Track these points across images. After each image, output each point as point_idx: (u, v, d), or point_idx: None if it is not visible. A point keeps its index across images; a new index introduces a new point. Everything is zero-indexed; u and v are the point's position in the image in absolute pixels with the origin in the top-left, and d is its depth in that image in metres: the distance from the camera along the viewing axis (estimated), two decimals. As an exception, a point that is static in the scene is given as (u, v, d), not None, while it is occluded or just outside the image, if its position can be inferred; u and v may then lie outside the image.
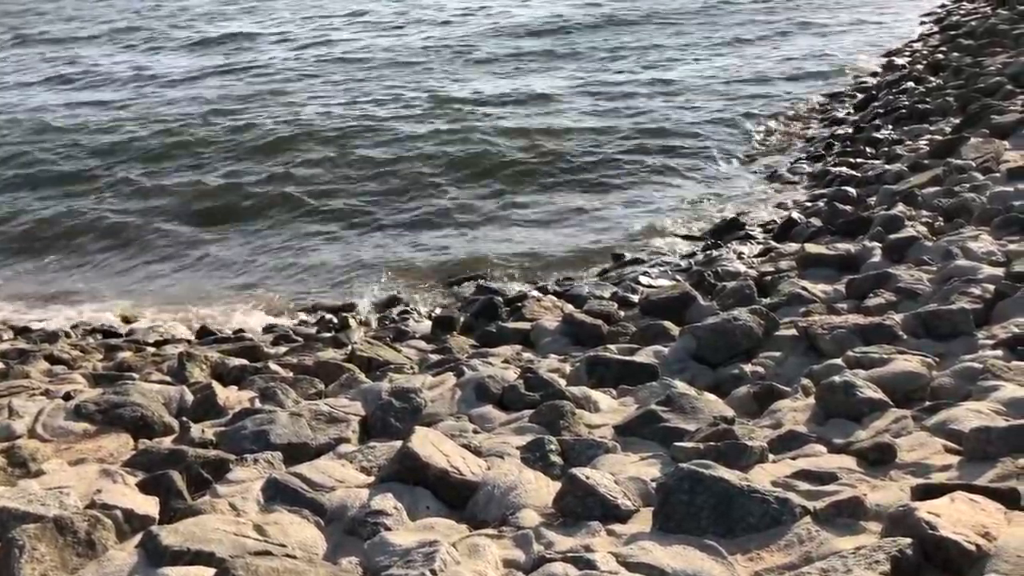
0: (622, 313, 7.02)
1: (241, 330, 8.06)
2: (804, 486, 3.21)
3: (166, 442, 4.34)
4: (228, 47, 20.63)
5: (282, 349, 7.03)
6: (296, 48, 19.95)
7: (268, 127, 13.87)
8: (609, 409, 4.66)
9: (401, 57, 18.15)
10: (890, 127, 11.10)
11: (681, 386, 4.64)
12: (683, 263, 8.57)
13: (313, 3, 25.62)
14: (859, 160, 10.21)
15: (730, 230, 9.18)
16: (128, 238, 10.48)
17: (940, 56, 13.68)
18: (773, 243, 8.38)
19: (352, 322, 7.85)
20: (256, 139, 13.37)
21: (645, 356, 5.49)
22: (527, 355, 6.19)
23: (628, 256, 8.92)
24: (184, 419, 4.63)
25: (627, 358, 5.41)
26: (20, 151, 13.72)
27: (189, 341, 7.67)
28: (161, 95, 16.64)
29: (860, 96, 13.41)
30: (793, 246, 7.92)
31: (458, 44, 18.84)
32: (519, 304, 7.58)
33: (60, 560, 2.89)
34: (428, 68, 17.20)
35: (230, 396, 5.13)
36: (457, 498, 3.46)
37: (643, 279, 8.08)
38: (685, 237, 9.35)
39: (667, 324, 6.13)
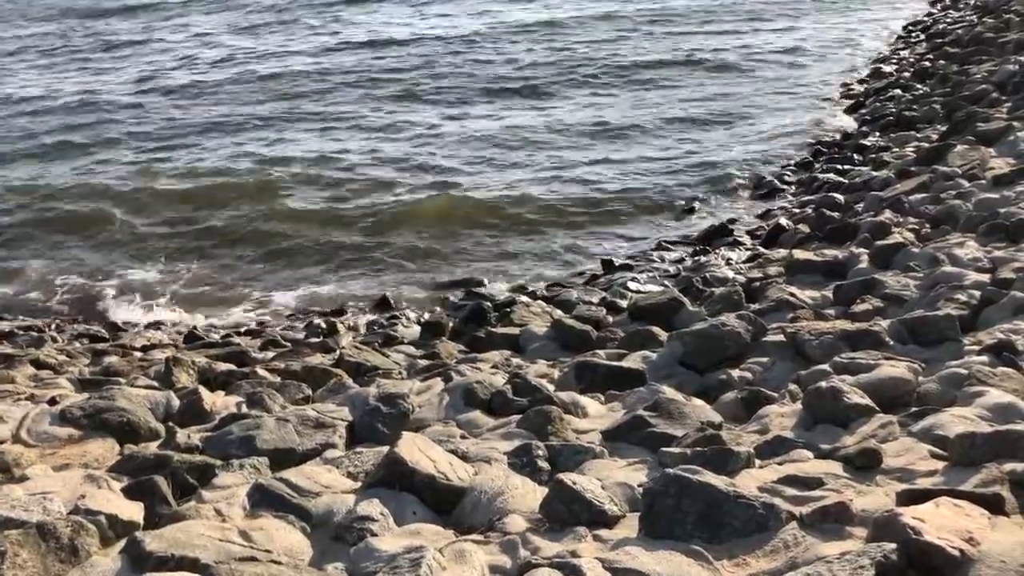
0: (611, 319, 7.03)
1: (229, 335, 8.03)
2: (790, 491, 3.22)
3: (152, 447, 4.32)
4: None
5: (270, 354, 7.01)
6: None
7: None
8: (597, 414, 4.66)
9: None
10: (877, 134, 11.17)
11: (668, 391, 4.64)
12: (672, 269, 8.60)
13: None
14: (847, 167, 10.27)
15: (719, 236, 9.22)
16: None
17: (927, 64, 13.76)
18: (761, 249, 8.42)
19: (340, 327, 7.83)
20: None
21: (633, 361, 5.49)
22: (515, 360, 6.19)
23: (617, 262, 8.94)
24: (170, 424, 4.60)
25: (615, 363, 5.42)
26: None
27: (176, 346, 7.63)
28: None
29: (848, 103, 13.49)
30: (781, 252, 7.96)
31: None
32: (508, 309, 7.58)
33: (43, 566, 2.87)
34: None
35: (217, 401, 5.11)
36: (444, 504, 3.45)
37: (632, 285, 8.10)
38: (674, 243, 9.37)
39: (655, 329, 6.14)
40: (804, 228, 8.33)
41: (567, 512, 3.17)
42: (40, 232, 10.93)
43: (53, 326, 8.55)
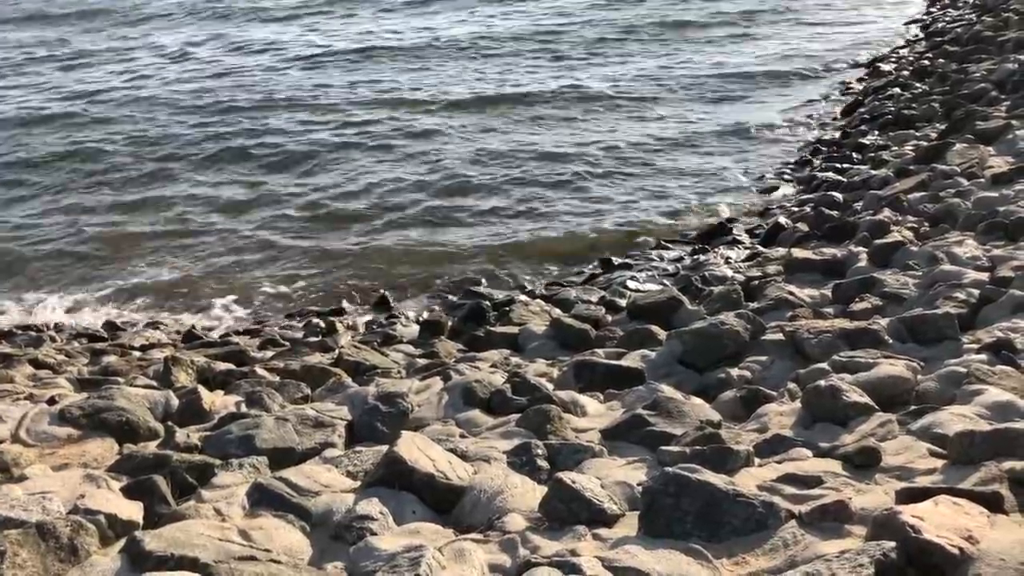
0: (609, 317, 7.02)
1: (228, 334, 8.03)
2: (790, 490, 3.22)
3: (151, 447, 4.32)
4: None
5: (268, 353, 7.01)
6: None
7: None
8: (596, 413, 4.66)
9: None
10: (876, 133, 11.17)
11: (668, 390, 4.64)
12: (671, 268, 8.60)
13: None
14: (846, 165, 10.27)
15: (718, 235, 9.22)
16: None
17: (926, 62, 13.77)
18: (760, 248, 8.42)
19: (339, 326, 7.83)
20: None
21: (632, 360, 5.49)
22: (514, 359, 6.19)
23: (616, 260, 8.94)
24: (169, 424, 4.60)
25: (614, 362, 5.42)
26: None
27: (175, 345, 7.63)
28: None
29: (847, 102, 13.49)
30: (780, 251, 7.96)
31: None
32: (507, 308, 7.58)
33: (42, 566, 2.87)
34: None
35: (216, 400, 5.11)
36: (443, 503, 3.45)
37: (631, 283, 8.09)
38: (673, 242, 9.37)
39: (654, 328, 6.14)
40: (803, 227, 8.33)
41: (566, 511, 3.17)
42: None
43: (52, 325, 8.55)
